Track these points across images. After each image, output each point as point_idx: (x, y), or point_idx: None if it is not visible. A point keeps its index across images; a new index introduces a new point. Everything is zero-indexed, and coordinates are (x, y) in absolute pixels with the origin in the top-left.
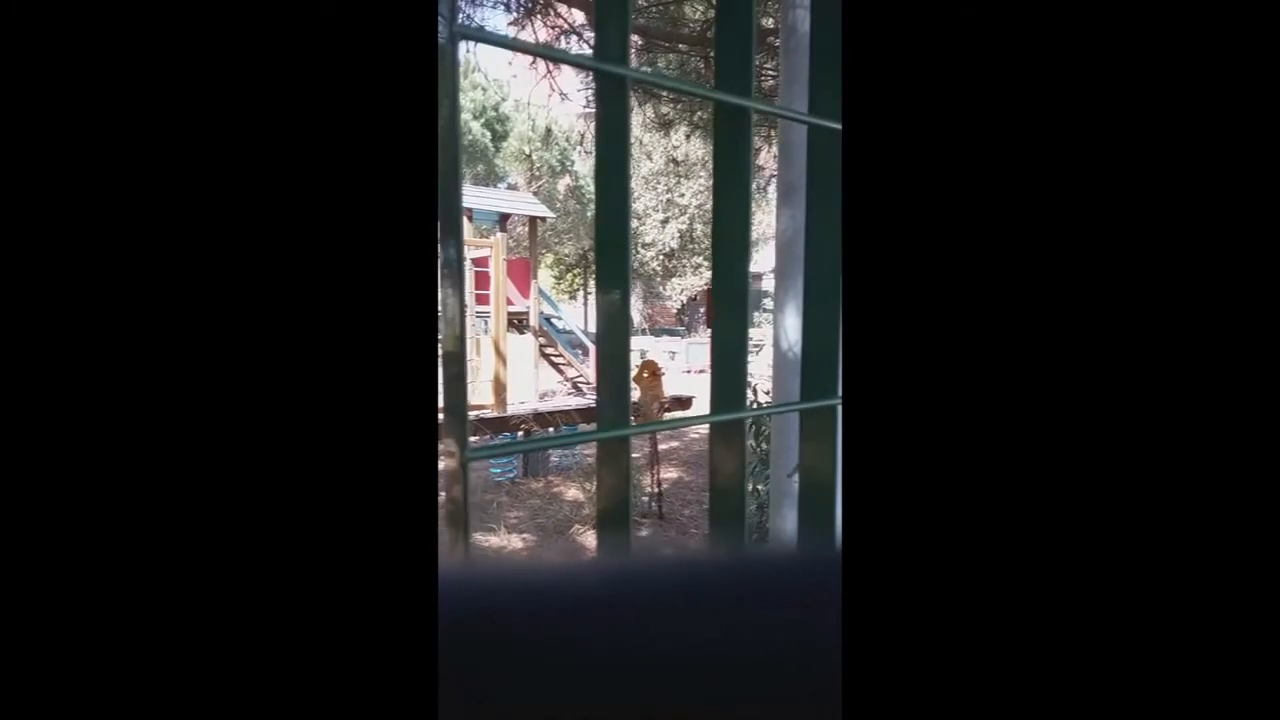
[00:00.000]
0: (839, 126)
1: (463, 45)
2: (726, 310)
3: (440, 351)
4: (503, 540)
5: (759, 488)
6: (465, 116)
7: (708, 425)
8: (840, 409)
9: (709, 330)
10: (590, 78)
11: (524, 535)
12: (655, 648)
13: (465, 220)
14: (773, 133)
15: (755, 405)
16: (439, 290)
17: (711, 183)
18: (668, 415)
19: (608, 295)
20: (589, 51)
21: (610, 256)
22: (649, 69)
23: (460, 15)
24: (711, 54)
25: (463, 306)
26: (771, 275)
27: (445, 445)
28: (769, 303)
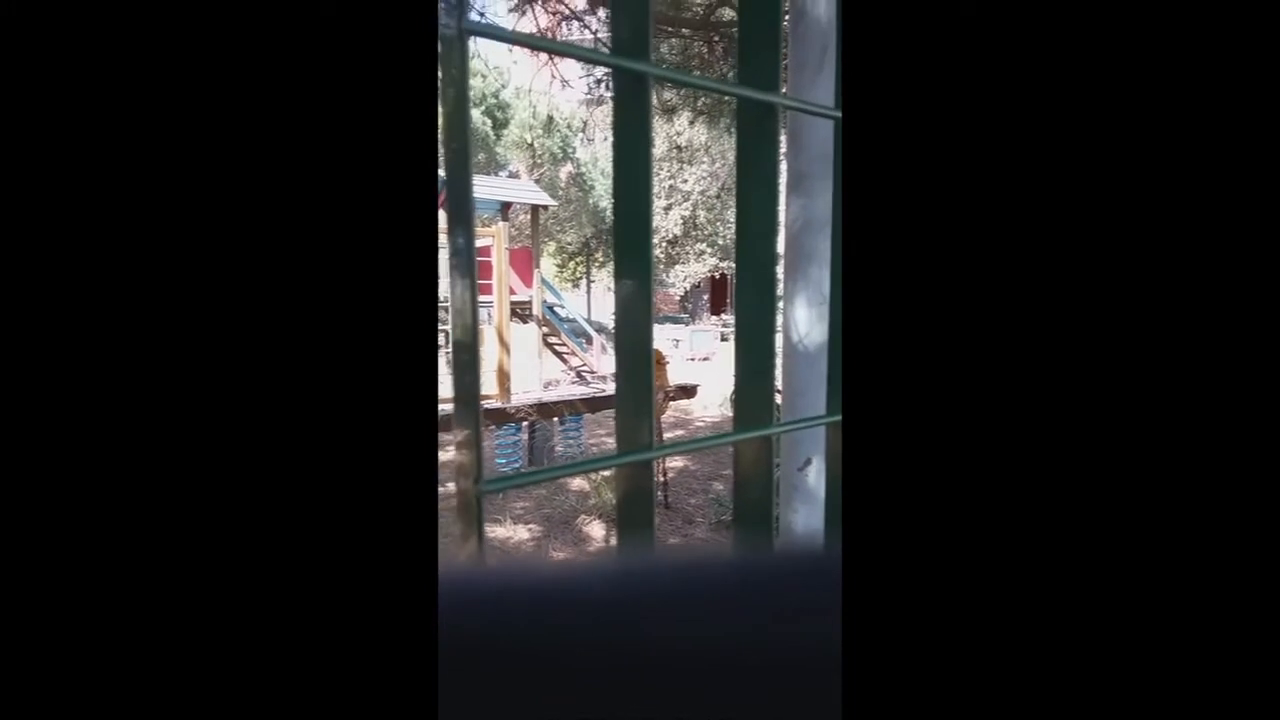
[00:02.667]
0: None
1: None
2: (751, 308)
3: (450, 340)
4: (509, 531)
5: None
6: None
7: (721, 411)
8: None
9: (713, 317)
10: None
11: (530, 526)
12: (655, 648)
13: None
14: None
15: None
16: (447, 280)
17: (712, 168)
18: (672, 404)
19: (626, 297)
20: (589, 37)
21: (630, 260)
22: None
23: (467, 7)
24: (715, 38)
25: (474, 296)
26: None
27: (459, 477)
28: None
